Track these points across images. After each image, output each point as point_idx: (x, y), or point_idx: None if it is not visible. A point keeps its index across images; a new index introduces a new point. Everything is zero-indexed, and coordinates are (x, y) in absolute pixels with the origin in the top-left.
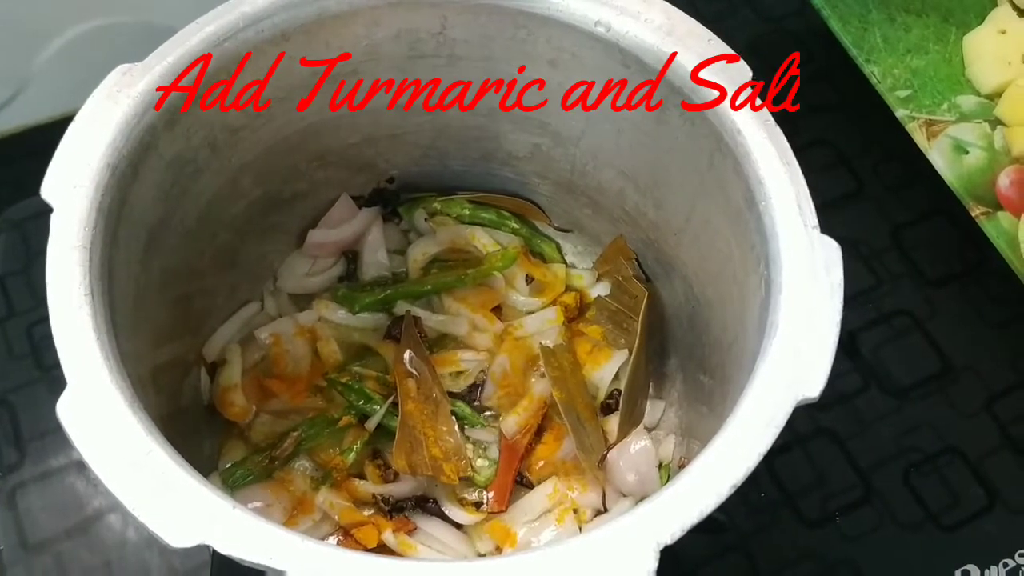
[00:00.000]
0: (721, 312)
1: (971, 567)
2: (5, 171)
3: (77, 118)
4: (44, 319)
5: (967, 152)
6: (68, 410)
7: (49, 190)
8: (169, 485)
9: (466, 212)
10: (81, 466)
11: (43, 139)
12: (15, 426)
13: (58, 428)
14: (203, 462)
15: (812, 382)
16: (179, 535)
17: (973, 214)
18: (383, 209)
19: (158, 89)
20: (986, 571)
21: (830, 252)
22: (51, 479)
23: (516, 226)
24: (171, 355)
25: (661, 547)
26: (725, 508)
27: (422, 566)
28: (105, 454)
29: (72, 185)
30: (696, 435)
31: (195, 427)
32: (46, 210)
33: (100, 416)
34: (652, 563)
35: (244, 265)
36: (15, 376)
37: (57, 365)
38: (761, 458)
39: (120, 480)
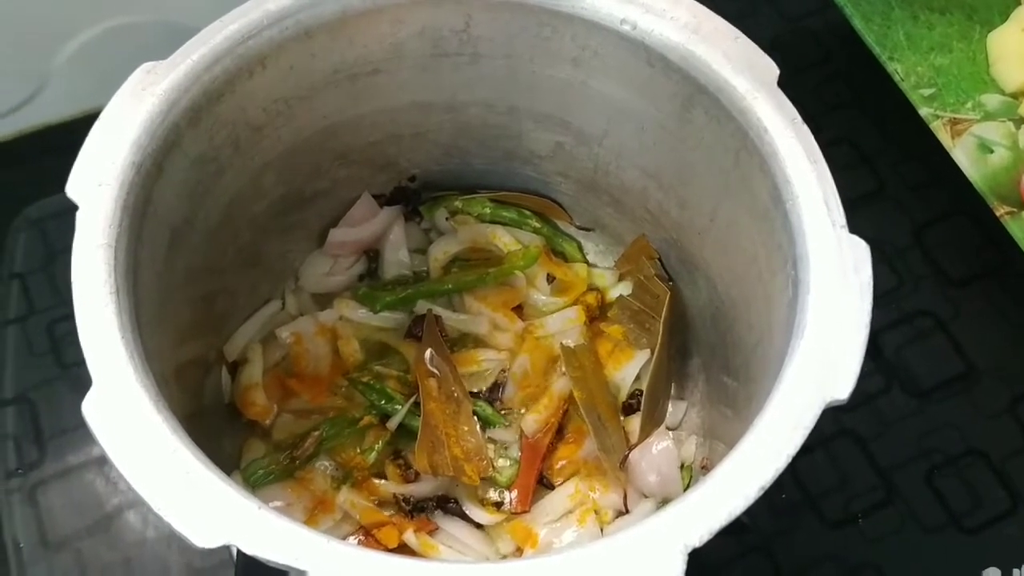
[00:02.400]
0: (746, 312)
1: (993, 570)
2: (25, 170)
3: (102, 116)
4: (64, 317)
5: (991, 151)
6: (93, 409)
7: (74, 188)
8: (194, 485)
9: (487, 211)
10: (101, 464)
11: (62, 138)
12: (36, 423)
13: (78, 426)
14: (224, 461)
15: (841, 384)
16: (205, 536)
17: (997, 214)
18: (404, 208)
19: (182, 87)
20: (1008, 574)
21: (858, 251)
22: (71, 477)
23: (537, 225)
24: (193, 354)
25: (689, 550)
26: (749, 509)
27: (446, 567)
28: (131, 453)
29: (97, 183)
30: (719, 436)
31: (216, 426)
32: (66, 208)
33: (125, 415)
34: (680, 566)
35: (266, 264)
36: (36, 374)
37: (77, 363)
38: (789, 460)
39: (146, 480)
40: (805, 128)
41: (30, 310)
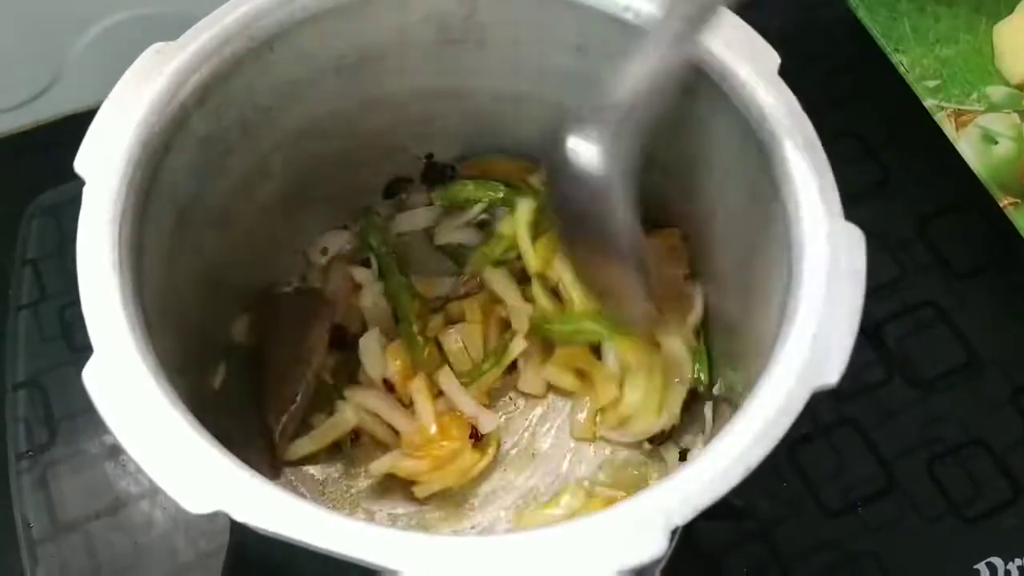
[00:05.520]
0: (746, 300)
1: (995, 559)
2: (41, 158)
3: (111, 95)
4: (76, 302)
5: (996, 142)
6: (93, 376)
7: (82, 164)
8: (188, 452)
9: (500, 196)
10: (111, 448)
11: (78, 127)
12: (46, 407)
13: (88, 409)
14: None
15: (831, 368)
16: (196, 501)
17: (1001, 204)
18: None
19: (190, 68)
20: (1010, 563)
21: (853, 238)
22: (81, 460)
23: None
24: (202, 333)
25: (672, 527)
26: (745, 495)
27: (403, 535)
28: (127, 419)
29: (104, 160)
30: (718, 421)
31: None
32: (79, 196)
33: (124, 382)
34: (663, 543)
35: (275, 247)
36: (47, 358)
37: (88, 347)
38: (776, 444)
39: (140, 445)
40: (804, 116)
41: (42, 296)
